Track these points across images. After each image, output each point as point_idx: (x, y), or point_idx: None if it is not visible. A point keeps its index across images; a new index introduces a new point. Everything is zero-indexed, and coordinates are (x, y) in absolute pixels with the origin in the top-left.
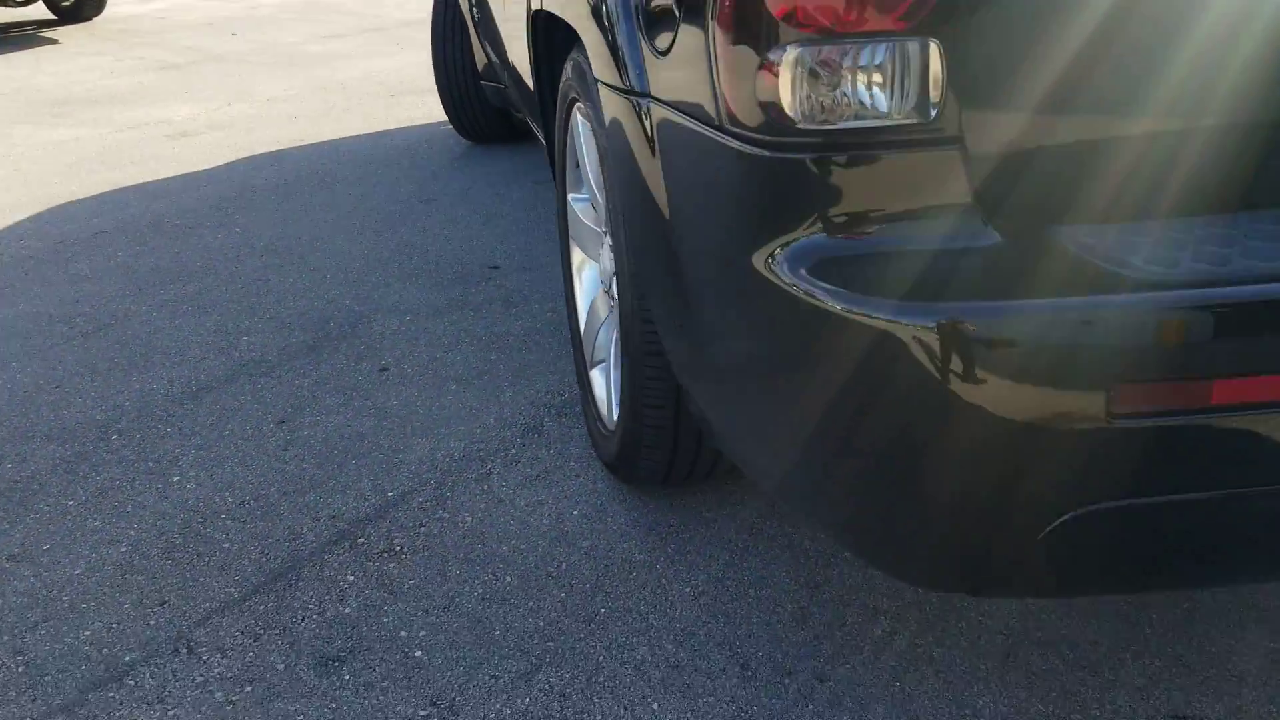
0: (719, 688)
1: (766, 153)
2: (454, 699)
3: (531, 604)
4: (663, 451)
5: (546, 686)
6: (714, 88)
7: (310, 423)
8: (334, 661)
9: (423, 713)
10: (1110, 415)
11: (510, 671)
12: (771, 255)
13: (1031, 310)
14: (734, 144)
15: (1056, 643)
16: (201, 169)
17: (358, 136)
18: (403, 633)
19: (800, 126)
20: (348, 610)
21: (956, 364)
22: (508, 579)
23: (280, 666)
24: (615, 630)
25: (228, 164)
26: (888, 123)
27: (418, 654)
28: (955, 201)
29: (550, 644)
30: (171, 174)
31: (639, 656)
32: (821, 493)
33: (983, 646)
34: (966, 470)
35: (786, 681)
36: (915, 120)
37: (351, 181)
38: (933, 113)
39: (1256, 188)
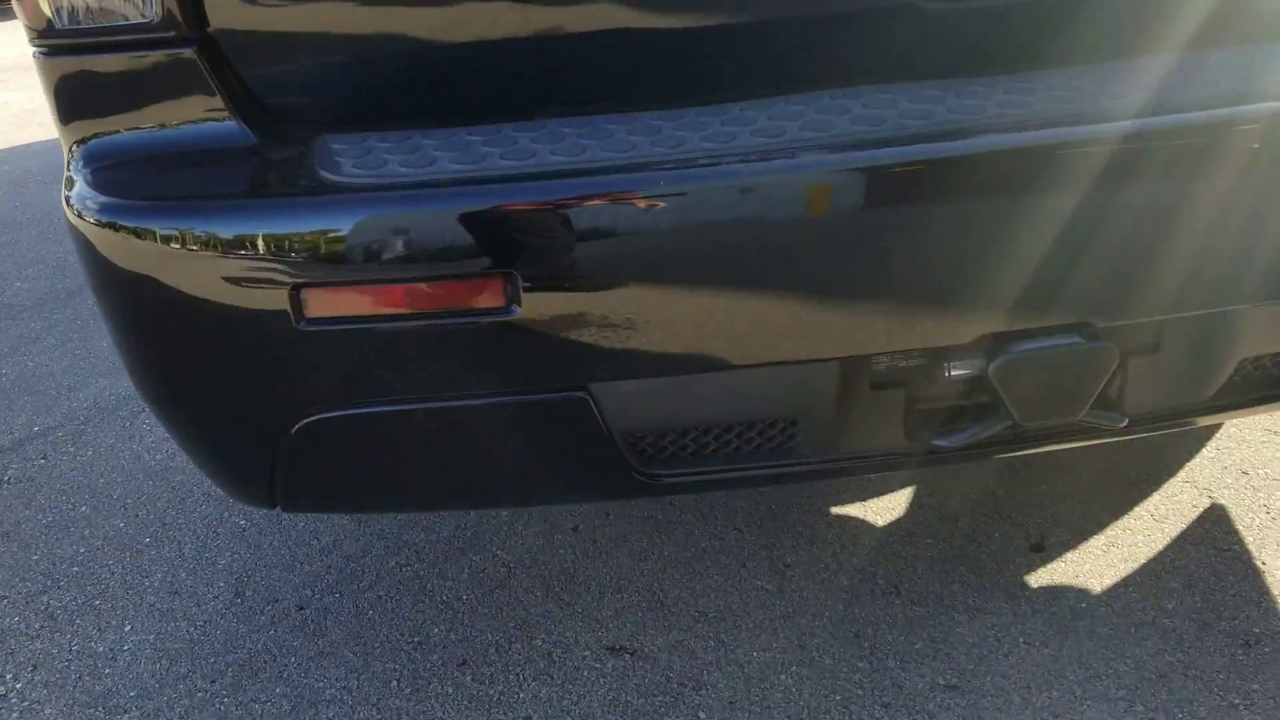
0: (206, 611)
1: (44, 55)
2: None
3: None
4: None
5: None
6: None
7: None
8: None
9: None
10: (299, 320)
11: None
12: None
13: (222, 212)
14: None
15: (548, 577)
16: None
17: None
18: None
19: (59, 28)
20: None
21: (162, 266)
22: (82, 508)
23: None
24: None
25: None
26: (128, 23)
27: None
28: (209, 104)
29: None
30: None
31: (154, 583)
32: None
33: (485, 577)
34: (199, 376)
35: (270, 608)
36: (157, 20)
37: None
38: (178, 14)
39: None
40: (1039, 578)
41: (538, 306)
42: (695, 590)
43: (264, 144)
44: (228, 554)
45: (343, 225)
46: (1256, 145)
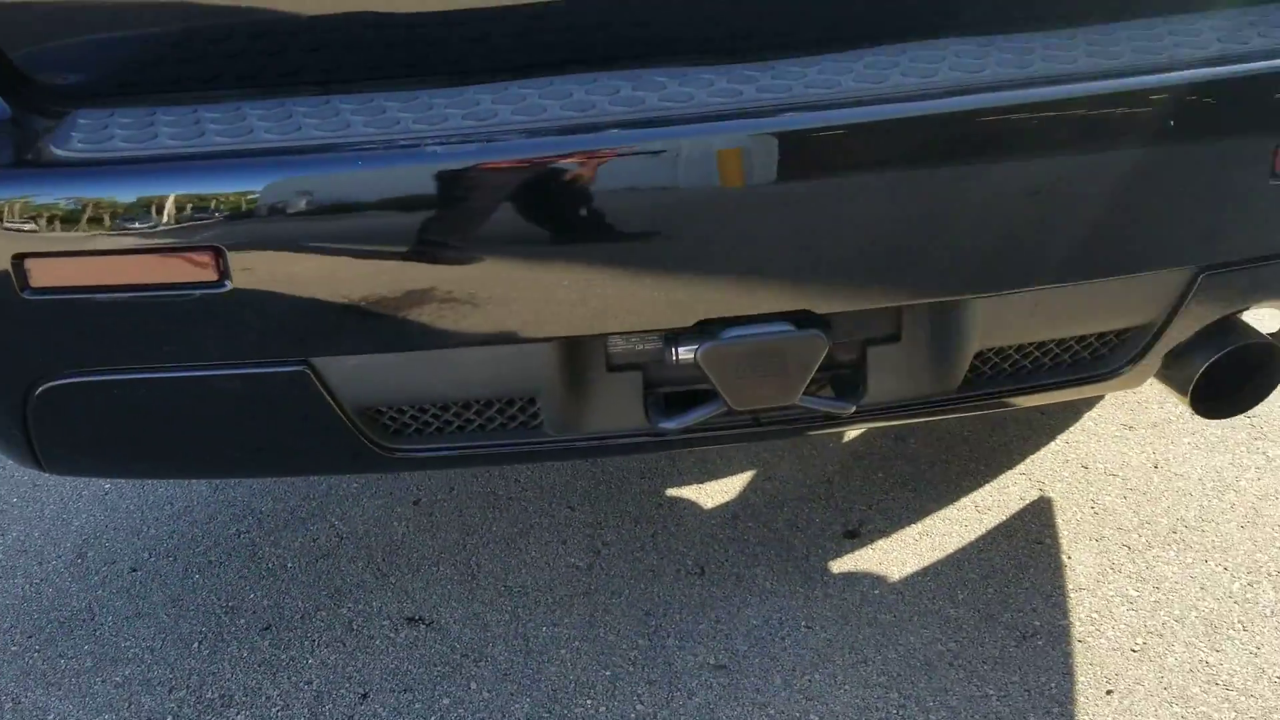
0: (45, 569)
1: None
2: None
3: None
4: None
5: None
6: None
7: None
8: None
9: None
10: (24, 289)
11: None
12: None
13: None
14: None
15: (375, 548)
16: None
17: None
18: None
19: None
20: None
21: None
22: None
23: None
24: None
25: None
26: None
27: None
28: None
29: None
30: None
31: None
32: None
33: (315, 546)
34: None
35: (105, 569)
36: None
37: None
38: None
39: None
40: (842, 564)
41: (250, 281)
42: (509, 565)
43: (19, 117)
44: (84, 515)
45: (57, 198)
46: (982, 137)
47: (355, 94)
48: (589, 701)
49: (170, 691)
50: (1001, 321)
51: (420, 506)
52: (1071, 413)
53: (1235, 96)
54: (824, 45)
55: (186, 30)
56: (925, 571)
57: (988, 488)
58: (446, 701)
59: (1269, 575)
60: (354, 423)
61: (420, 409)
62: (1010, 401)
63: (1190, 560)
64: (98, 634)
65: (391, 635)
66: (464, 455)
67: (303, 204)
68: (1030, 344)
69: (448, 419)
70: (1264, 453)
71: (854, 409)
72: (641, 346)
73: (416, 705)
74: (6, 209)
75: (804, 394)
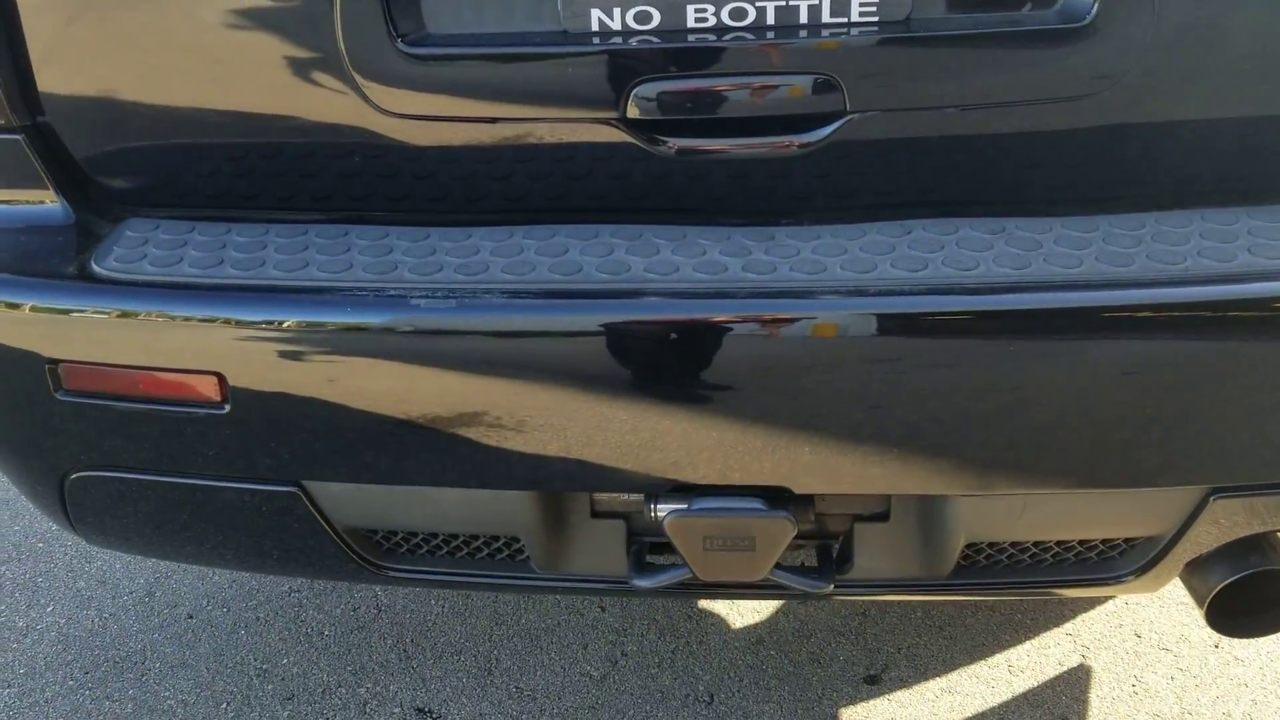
0: (117, 604)
1: None
2: None
3: None
4: None
5: None
6: None
7: None
8: None
9: None
10: (56, 389)
11: None
12: None
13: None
14: None
15: (407, 627)
16: None
17: None
18: None
19: None
20: None
21: None
22: None
23: None
24: None
25: None
26: None
27: None
28: (33, 183)
29: None
30: None
31: None
32: None
33: (353, 617)
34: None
35: (167, 612)
36: None
37: None
38: (6, 104)
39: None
40: (855, 712)
41: (248, 407)
42: (527, 665)
43: (81, 220)
44: None
45: (87, 310)
46: (965, 337)
47: (367, 229)
48: None
49: None
50: (988, 519)
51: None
52: None
53: (1251, 318)
54: (834, 214)
55: (238, 147)
56: None
57: (1027, 645)
58: None
59: None
60: (344, 541)
61: (409, 535)
62: (1012, 593)
63: None
64: (144, 679)
65: None
66: (454, 580)
67: (298, 342)
68: (1028, 542)
69: (438, 544)
70: None
71: (830, 587)
72: (626, 497)
73: None
74: (49, 317)
75: (778, 569)
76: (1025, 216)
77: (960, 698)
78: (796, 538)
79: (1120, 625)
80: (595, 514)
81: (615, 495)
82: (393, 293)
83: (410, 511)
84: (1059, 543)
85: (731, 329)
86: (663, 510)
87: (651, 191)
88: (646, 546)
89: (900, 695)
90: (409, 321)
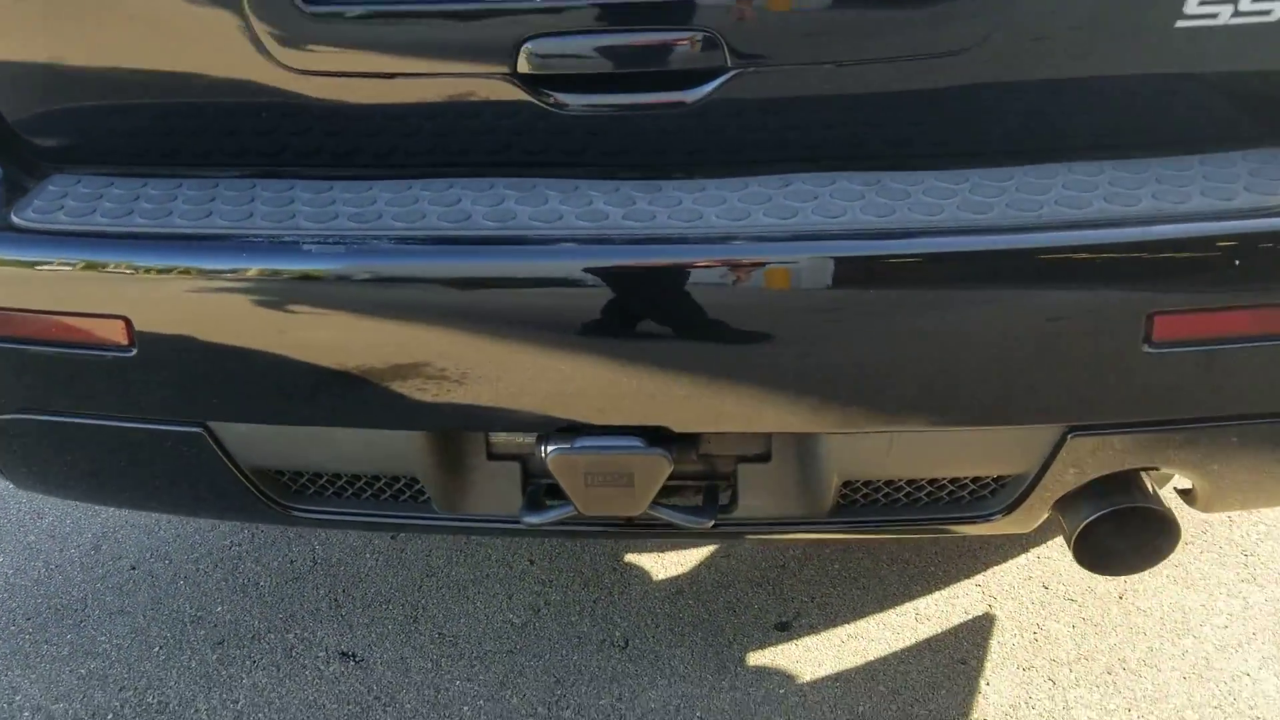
0: (64, 556)
1: None
2: None
3: None
4: None
5: None
6: None
7: None
8: None
9: None
10: None
11: None
12: None
13: None
14: None
15: (341, 578)
16: None
17: None
18: None
19: None
20: None
21: None
22: None
23: None
24: None
25: None
26: None
27: None
28: None
29: None
30: None
31: None
32: None
33: (290, 569)
34: None
35: (112, 563)
36: None
37: None
38: None
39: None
40: (762, 656)
41: (153, 349)
42: (452, 613)
43: (9, 176)
44: (110, 509)
45: (5, 259)
46: (826, 283)
47: (273, 182)
48: None
49: (120, 690)
50: (858, 458)
51: (396, 541)
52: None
53: (1110, 260)
54: (723, 169)
55: (153, 106)
56: (838, 677)
57: (937, 595)
58: None
59: None
60: (251, 481)
61: (315, 475)
62: (891, 532)
63: (1114, 708)
64: (82, 625)
65: (321, 668)
66: (360, 521)
67: (198, 288)
68: (900, 480)
69: (343, 485)
70: (1244, 597)
71: (712, 524)
72: (520, 439)
73: None
74: None
75: (660, 506)
76: (904, 170)
77: (865, 643)
78: (682, 478)
79: (1029, 577)
80: (491, 456)
81: (510, 438)
82: (286, 239)
83: (311, 452)
84: (931, 482)
85: (608, 274)
86: (550, 450)
87: (550, 146)
88: (543, 489)
89: (807, 640)
90: (300, 267)
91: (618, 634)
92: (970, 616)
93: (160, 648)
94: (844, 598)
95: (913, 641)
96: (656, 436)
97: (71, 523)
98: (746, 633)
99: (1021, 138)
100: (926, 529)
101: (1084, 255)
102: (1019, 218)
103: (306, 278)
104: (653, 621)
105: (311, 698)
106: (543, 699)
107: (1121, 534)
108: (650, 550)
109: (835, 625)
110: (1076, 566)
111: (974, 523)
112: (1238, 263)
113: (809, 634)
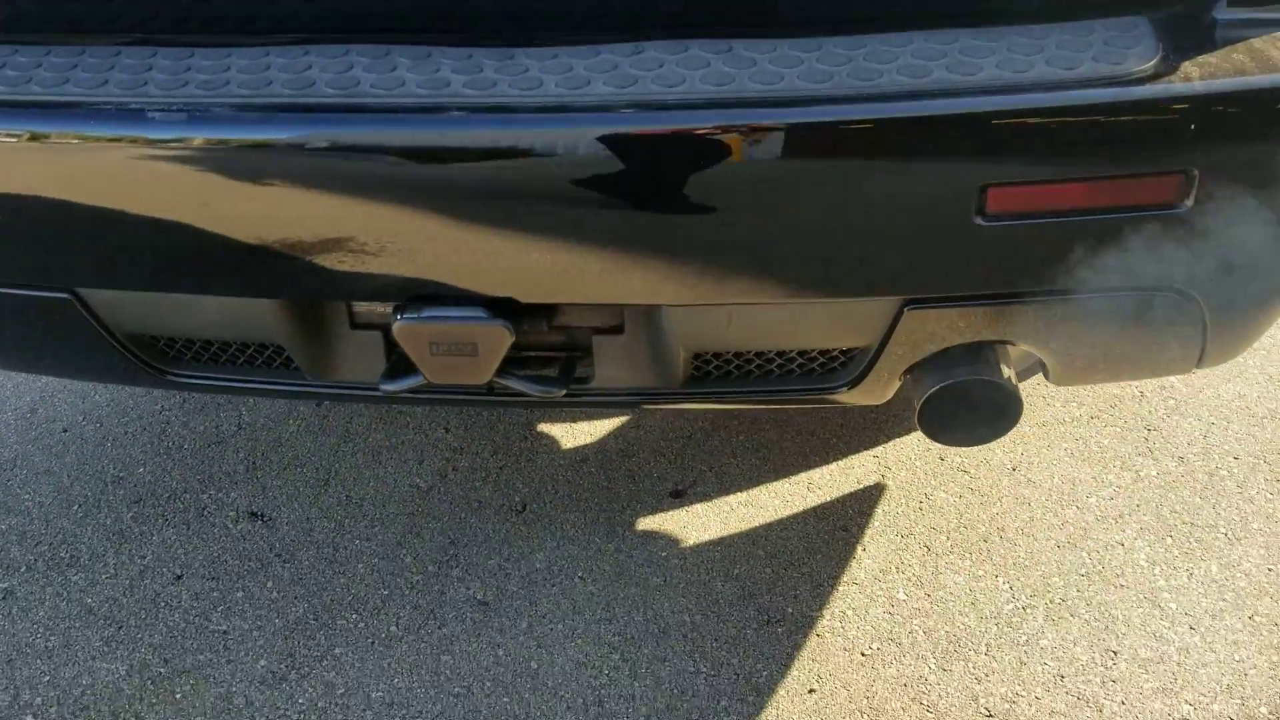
0: None
1: None
2: None
3: None
4: None
5: None
6: None
7: None
8: None
9: None
10: None
11: None
12: None
13: None
14: None
15: (263, 443)
16: None
17: None
18: None
19: None
20: None
21: None
22: None
23: None
24: None
25: None
26: None
27: None
28: None
29: None
30: None
31: None
32: None
33: (215, 433)
34: None
35: (45, 426)
36: None
37: None
38: None
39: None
40: (651, 521)
41: (15, 214)
42: (363, 477)
43: None
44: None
45: None
46: (658, 153)
47: (138, 50)
48: (354, 616)
49: (35, 545)
50: (701, 331)
51: (321, 409)
52: None
53: (942, 131)
54: (585, 36)
55: None
56: (721, 541)
57: (834, 465)
58: (240, 595)
59: (1050, 602)
60: (125, 346)
61: (187, 341)
62: (745, 402)
63: (982, 573)
64: (8, 484)
65: (229, 526)
66: (234, 386)
67: (54, 156)
68: (747, 352)
69: (216, 351)
70: (1136, 470)
71: (562, 393)
72: (381, 309)
73: (214, 594)
74: None
75: (511, 375)
76: (766, 39)
77: (754, 510)
78: (539, 348)
79: (928, 450)
80: (355, 325)
81: (371, 307)
82: (133, 106)
83: (180, 319)
84: (780, 354)
85: (443, 145)
86: (399, 320)
87: (413, 11)
88: (404, 358)
89: (699, 508)
90: (144, 134)
91: (517, 499)
92: (861, 486)
93: (79, 506)
94: (742, 467)
95: (800, 509)
96: (503, 307)
97: (13, 388)
98: (641, 499)
99: (888, 4)
100: (779, 400)
101: (916, 127)
102: (854, 86)
103: (151, 143)
104: (553, 487)
105: (215, 554)
106: (434, 558)
107: (964, 406)
108: (562, 420)
109: (728, 493)
110: None
111: (824, 394)
112: (1071, 135)
113: (701, 501)
